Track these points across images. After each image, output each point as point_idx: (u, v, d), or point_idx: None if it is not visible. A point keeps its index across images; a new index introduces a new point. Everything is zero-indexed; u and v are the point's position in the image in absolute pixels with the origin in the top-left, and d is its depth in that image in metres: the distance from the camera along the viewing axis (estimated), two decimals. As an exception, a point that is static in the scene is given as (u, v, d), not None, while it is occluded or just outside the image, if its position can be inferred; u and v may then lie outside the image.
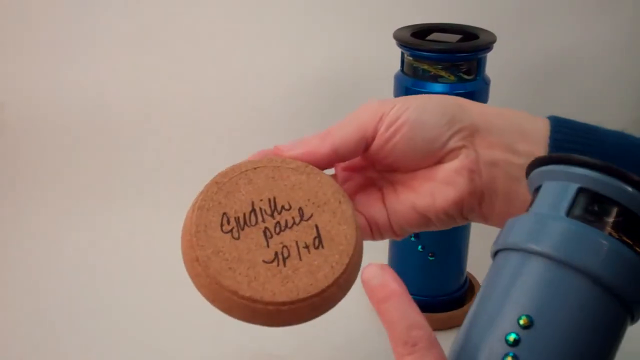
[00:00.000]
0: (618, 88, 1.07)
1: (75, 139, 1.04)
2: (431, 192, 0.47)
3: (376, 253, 0.85)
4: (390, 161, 0.48)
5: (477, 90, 0.70)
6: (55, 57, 1.04)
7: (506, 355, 0.33)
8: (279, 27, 1.02)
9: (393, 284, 0.38)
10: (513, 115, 0.47)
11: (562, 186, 0.36)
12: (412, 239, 0.76)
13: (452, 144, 0.46)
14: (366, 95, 1.00)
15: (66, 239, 0.93)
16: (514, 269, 0.35)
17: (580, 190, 0.36)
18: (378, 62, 0.87)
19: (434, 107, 0.46)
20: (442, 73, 0.69)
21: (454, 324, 0.78)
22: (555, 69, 1.05)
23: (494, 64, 0.74)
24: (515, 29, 1.01)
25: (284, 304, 0.41)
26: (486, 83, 0.72)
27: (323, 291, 0.42)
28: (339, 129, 0.46)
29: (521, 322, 0.33)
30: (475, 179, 0.46)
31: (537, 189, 0.39)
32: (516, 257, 0.36)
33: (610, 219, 0.35)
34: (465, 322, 0.37)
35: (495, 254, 0.38)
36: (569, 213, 0.35)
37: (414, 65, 0.70)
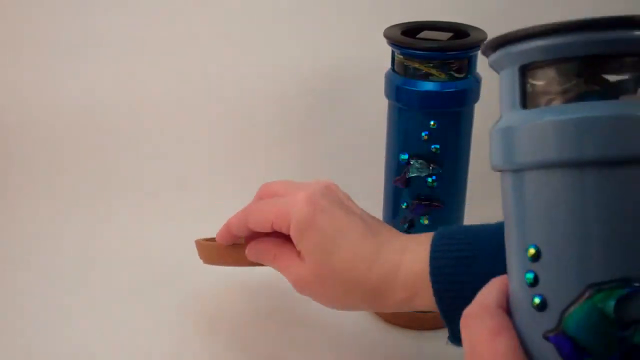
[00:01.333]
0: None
1: (72, 141, 1.04)
2: None
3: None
4: None
5: (468, 89, 0.70)
6: (52, 59, 1.04)
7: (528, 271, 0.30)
8: (269, 27, 1.02)
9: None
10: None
11: (507, 74, 0.33)
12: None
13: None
14: (357, 94, 1.01)
15: (64, 240, 0.93)
16: (508, 192, 0.32)
17: (522, 70, 0.32)
18: (368, 61, 0.87)
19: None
20: (433, 71, 0.69)
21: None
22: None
23: (485, 62, 0.74)
24: (507, 27, 1.00)
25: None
26: (477, 81, 0.71)
27: None
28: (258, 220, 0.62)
29: (529, 254, 0.30)
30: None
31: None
32: (505, 179, 0.33)
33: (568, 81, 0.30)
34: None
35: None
36: (524, 105, 0.32)
37: (405, 63, 0.70)
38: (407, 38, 0.70)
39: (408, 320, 0.76)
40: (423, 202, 0.72)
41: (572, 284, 0.28)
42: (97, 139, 1.03)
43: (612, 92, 0.29)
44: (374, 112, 0.80)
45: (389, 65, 0.74)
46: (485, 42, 0.34)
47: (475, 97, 0.72)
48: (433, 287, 0.52)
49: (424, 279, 0.53)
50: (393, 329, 0.77)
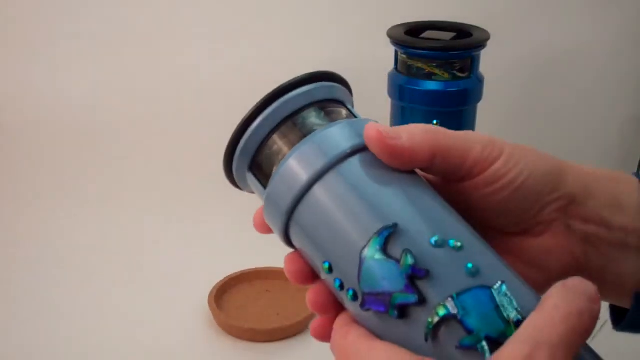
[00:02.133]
0: (613, 85, 1.07)
1: (72, 140, 1.04)
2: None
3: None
4: (475, 209, 0.40)
5: (471, 88, 0.70)
6: (52, 59, 1.04)
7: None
8: (273, 26, 1.02)
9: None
10: (610, 179, 0.41)
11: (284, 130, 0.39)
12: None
13: (546, 215, 0.40)
14: (360, 93, 1.00)
15: (62, 239, 0.93)
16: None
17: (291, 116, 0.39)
18: (371, 60, 0.87)
19: (542, 168, 0.40)
20: (436, 71, 0.69)
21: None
22: (550, 66, 1.05)
23: (488, 61, 0.74)
24: (509, 26, 1.01)
25: None
26: (480, 81, 0.72)
27: None
28: (444, 136, 0.39)
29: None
30: (566, 260, 0.40)
31: (255, 157, 0.40)
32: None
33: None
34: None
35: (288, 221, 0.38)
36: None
37: (408, 63, 0.70)
38: (411, 38, 0.70)
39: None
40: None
41: (353, 263, 0.34)
42: (95, 139, 1.04)
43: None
44: (377, 111, 0.80)
45: (392, 64, 0.74)
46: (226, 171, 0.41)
47: (478, 97, 0.72)
48: None
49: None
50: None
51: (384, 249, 0.34)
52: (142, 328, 0.77)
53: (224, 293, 0.80)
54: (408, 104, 0.71)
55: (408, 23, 0.74)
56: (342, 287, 0.35)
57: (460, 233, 0.35)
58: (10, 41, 1.04)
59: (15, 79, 1.05)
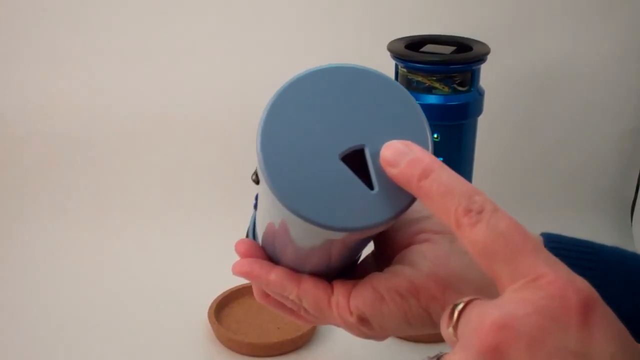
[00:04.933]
0: (613, 98, 1.07)
1: (70, 154, 1.04)
2: (391, 269, 0.43)
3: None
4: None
5: (471, 102, 0.70)
6: (56, 67, 1.04)
7: None
8: (273, 39, 1.02)
9: (428, 156, 0.34)
10: None
11: None
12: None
13: (429, 225, 0.43)
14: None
15: (60, 253, 0.93)
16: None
17: None
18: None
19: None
20: (436, 85, 0.69)
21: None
22: (550, 80, 1.05)
23: (488, 75, 0.74)
24: (509, 40, 1.01)
25: None
26: (480, 94, 0.72)
27: None
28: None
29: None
30: (440, 265, 0.42)
31: None
32: None
33: None
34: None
35: None
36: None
37: (408, 76, 0.71)
38: (411, 51, 0.70)
39: (418, 334, 0.76)
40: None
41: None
42: (97, 152, 1.04)
43: None
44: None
45: (392, 78, 0.74)
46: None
47: (479, 110, 0.72)
48: None
49: None
50: (401, 342, 0.77)
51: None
52: (141, 342, 0.77)
53: (224, 307, 0.80)
54: (408, 117, 0.71)
55: (408, 37, 0.74)
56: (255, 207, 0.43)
57: None
58: (10, 51, 1.04)
59: (17, 89, 1.05)
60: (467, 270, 0.42)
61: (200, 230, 0.96)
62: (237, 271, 0.46)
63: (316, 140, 0.34)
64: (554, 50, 1.04)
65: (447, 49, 0.72)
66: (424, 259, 0.42)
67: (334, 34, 1.02)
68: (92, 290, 0.86)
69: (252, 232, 0.49)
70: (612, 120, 1.08)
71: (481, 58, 0.69)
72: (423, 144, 0.35)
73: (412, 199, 0.35)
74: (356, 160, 0.35)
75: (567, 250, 0.42)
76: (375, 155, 0.35)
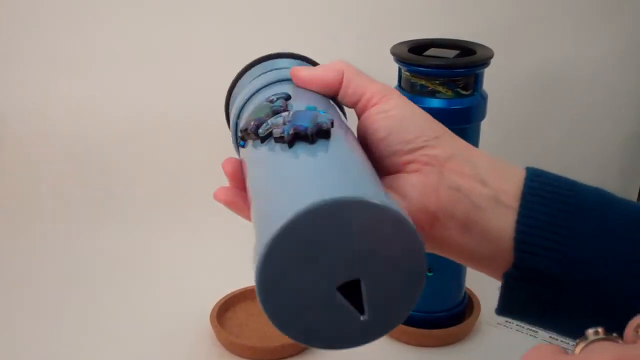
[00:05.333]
0: (616, 101, 1.07)
1: (75, 149, 1.04)
2: None
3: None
4: (370, 139, 0.47)
5: (474, 106, 0.70)
6: (56, 70, 1.04)
7: None
8: (276, 42, 1.02)
9: None
10: (494, 158, 0.45)
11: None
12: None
13: (419, 156, 0.45)
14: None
15: (62, 255, 0.93)
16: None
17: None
18: (375, 78, 0.87)
19: (425, 119, 0.47)
20: (440, 88, 0.69)
21: (454, 340, 0.77)
22: (553, 84, 1.05)
23: (491, 79, 0.74)
24: (513, 44, 1.01)
25: None
26: (484, 98, 0.71)
27: None
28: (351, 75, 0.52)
29: None
30: (429, 199, 0.44)
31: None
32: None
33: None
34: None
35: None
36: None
37: (412, 80, 0.70)
38: (414, 55, 0.70)
39: (419, 338, 0.76)
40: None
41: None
42: (100, 155, 1.04)
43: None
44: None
45: (395, 82, 0.74)
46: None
47: (482, 114, 0.72)
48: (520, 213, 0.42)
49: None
50: (403, 346, 0.77)
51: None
52: (143, 345, 0.76)
53: (226, 310, 0.80)
54: (411, 121, 0.71)
55: (411, 40, 0.74)
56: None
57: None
58: (10, 52, 1.04)
59: (16, 89, 1.05)
60: (454, 205, 0.43)
61: (202, 233, 0.96)
62: (219, 199, 0.47)
63: (313, 274, 0.35)
64: (557, 54, 1.04)
65: (451, 53, 0.71)
66: (414, 191, 0.44)
67: (337, 37, 1.02)
68: (92, 293, 0.86)
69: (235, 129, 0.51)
70: (615, 123, 1.08)
71: (484, 62, 0.69)
72: (418, 278, 0.37)
73: (398, 324, 0.38)
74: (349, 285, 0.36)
75: (546, 192, 0.43)
76: (370, 287, 0.36)
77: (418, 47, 0.73)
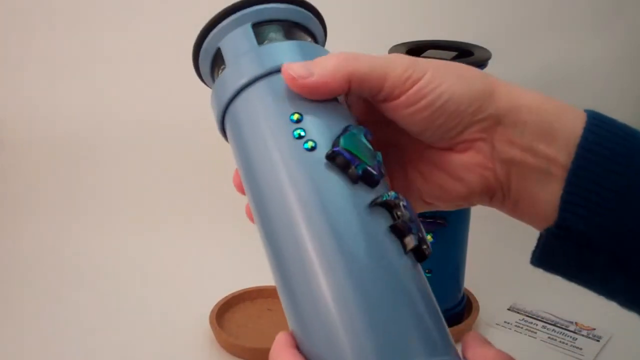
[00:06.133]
0: (614, 103, 1.07)
1: (71, 157, 1.04)
2: (440, 185, 0.44)
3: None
4: (401, 126, 0.43)
5: (472, 107, 0.70)
6: (57, 71, 1.04)
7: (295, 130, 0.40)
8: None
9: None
10: (546, 109, 0.42)
11: (239, 32, 0.44)
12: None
13: (470, 134, 0.42)
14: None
15: (61, 255, 0.93)
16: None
17: (253, 25, 0.44)
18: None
19: (466, 90, 0.41)
20: (438, 90, 0.69)
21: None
22: (551, 85, 1.05)
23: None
24: (511, 45, 1.01)
25: None
26: (481, 99, 0.72)
27: None
28: (360, 62, 0.42)
29: (295, 116, 0.40)
30: (487, 177, 0.42)
31: (215, 56, 0.46)
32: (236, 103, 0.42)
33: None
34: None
35: (223, 117, 0.44)
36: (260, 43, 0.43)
37: (410, 82, 0.71)
38: (412, 57, 0.70)
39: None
40: (427, 220, 0.72)
41: (330, 130, 0.40)
42: (100, 155, 1.04)
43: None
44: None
45: (393, 83, 0.74)
46: (221, 13, 0.45)
47: (480, 115, 0.72)
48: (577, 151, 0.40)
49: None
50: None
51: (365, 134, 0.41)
52: (142, 347, 0.77)
53: (226, 312, 0.80)
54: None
55: (409, 42, 0.75)
56: (303, 136, 0.40)
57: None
58: (9, 60, 1.04)
59: (17, 93, 1.05)
60: (510, 179, 0.42)
61: (201, 234, 0.96)
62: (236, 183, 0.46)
63: None
64: (555, 56, 1.05)
65: (448, 54, 0.72)
66: (471, 174, 0.43)
67: (335, 39, 1.02)
68: (91, 294, 0.86)
69: None
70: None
71: (482, 63, 0.70)
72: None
73: None
74: None
75: (598, 165, 0.40)
76: None
77: (416, 49, 0.73)
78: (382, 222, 0.37)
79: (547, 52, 1.04)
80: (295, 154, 0.39)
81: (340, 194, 0.38)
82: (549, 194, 0.40)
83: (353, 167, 0.38)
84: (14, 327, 0.80)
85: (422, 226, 0.39)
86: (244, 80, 0.41)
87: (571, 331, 0.79)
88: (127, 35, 1.03)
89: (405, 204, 0.38)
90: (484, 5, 1.01)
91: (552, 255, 0.41)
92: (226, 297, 0.81)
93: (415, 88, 0.40)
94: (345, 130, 0.40)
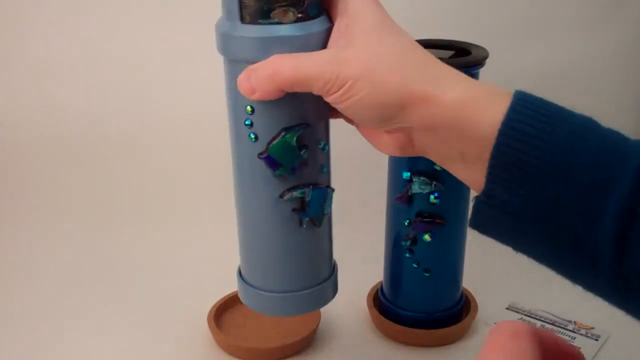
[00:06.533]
0: (613, 103, 1.08)
1: (72, 157, 1.04)
2: (382, 146, 0.53)
3: (371, 269, 0.85)
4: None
5: (470, 106, 0.70)
6: (56, 71, 1.04)
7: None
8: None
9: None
10: (463, 107, 0.46)
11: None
12: (407, 255, 0.75)
13: (390, 128, 0.49)
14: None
15: (58, 255, 0.93)
16: (227, 72, 0.53)
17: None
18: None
19: (377, 103, 0.47)
20: (435, 89, 0.69)
21: (451, 340, 0.77)
22: (548, 85, 1.05)
23: (487, 79, 0.74)
24: (508, 44, 1.01)
25: None
26: (479, 98, 0.71)
27: None
28: (286, 75, 0.48)
29: (248, 109, 0.52)
30: (405, 151, 0.52)
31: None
32: (225, 64, 0.53)
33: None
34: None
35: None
36: (242, 19, 0.50)
37: (407, 81, 0.70)
38: (409, 56, 0.70)
39: (416, 338, 0.77)
40: (425, 220, 0.72)
41: (273, 126, 0.52)
42: (95, 156, 1.04)
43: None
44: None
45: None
46: None
47: (477, 115, 0.72)
48: (498, 137, 0.44)
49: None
50: (400, 346, 0.77)
51: (297, 139, 0.53)
52: (139, 347, 0.76)
53: (224, 312, 0.80)
54: (407, 122, 0.71)
55: (407, 41, 0.74)
56: (250, 125, 0.53)
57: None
58: (10, 54, 1.04)
59: (14, 93, 1.05)
60: (428, 154, 0.51)
61: (200, 234, 0.96)
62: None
63: None
64: (554, 55, 1.05)
65: (446, 54, 0.72)
66: (389, 148, 0.53)
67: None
68: (89, 293, 0.86)
69: None
70: (614, 124, 1.08)
71: (480, 62, 0.70)
72: None
73: None
74: None
75: (527, 121, 0.44)
76: None
77: (413, 48, 0.73)
78: (285, 206, 0.56)
79: (545, 51, 1.04)
80: (243, 138, 0.54)
81: (262, 182, 0.55)
82: (470, 172, 0.47)
83: (274, 169, 0.54)
84: (13, 327, 0.80)
85: (324, 200, 0.57)
86: (230, 57, 0.52)
87: (570, 330, 0.79)
88: (128, 35, 1.03)
89: (308, 195, 0.55)
90: (482, 4, 1.01)
91: (483, 220, 0.47)
92: (224, 297, 0.80)
93: (337, 94, 0.47)
94: (279, 134, 0.52)
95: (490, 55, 0.71)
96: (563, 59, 1.04)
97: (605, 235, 0.41)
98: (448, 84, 0.47)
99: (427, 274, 0.75)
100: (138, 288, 0.87)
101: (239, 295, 0.63)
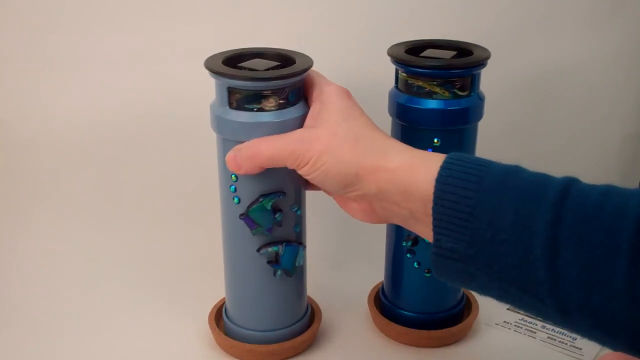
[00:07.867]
0: (615, 103, 1.07)
1: (73, 157, 1.04)
2: (350, 211, 0.63)
3: (372, 269, 0.85)
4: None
5: (472, 106, 0.70)
6: (57, 72, 1.04)
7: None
8: (273, 43, 1.02)
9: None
10: (404, 173, 0.55)
11: (221, 86, 0.64)
12: (408, 255, 0.75)
13: (351, 195, 0.59)
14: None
15: (61, 251, 0.93)
16: (220, 147, 0.67)
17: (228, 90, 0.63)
18: (372, 79, 0.88)
19: (336, 173, 0.58)
20: (437, 89, 0.69)
21: (452, 341, 0.77)
22: (551, 84, 1.05)
23: (488, 80, 0.74)
24: (510, 45, 1.01)
25: None
26: (481, 99, 0.72)
27: None
28: (264, 158, 0.61)
29: (233, 177, 0.65)
30: (371, 217, 0.61)
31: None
32: (218, 140, 0.67)
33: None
34: None
35: None
36: (230, 105, 0.63)
37: (409, 81, 0.71)
38: (411, 56, 0.70)
39: (417, 339, 0.76)
40: (427, 220, 0.72)
41: (253, 193, 0.65)
42: (96, 156, 1.04)
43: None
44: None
45: (392, 83, 0.74)
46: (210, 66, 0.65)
47: (479, 115, 0.72)
48: (436, 190, 0.52)
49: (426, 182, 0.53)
50: (401, 347, 0.77)
51: (273, 204, 0.65)
52: (141, 347, 0.76)
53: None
54: (408, 122, 0.71)
55: (408, 41, 0.75)
56: (235, 191, 0.66)
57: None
58: (8, 60, 1.04)
59: (16, 93, 1.05)
60: (390, 217, 0.61)
61: (200, 234, 0.96)
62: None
63: None
64: (555, 55, 1.05)
65: (448, 54, 0.72)
66: (356, 214, 0.63)
67: (333, 39, 1.02)
68: (89, 293, 0.86)
69: None
70: (613, 126, 1.08)
71: (482, 63, 0.70)
72: None
73: None
74: None
75: (458, 167, 0.52)
76: None
77: (415, 49, 0.73)
78: (262, 259, 0.68)
79: (547, 51, 1.03)
80: (229, 200, 0.66)
81: (242, 238, 0.67)
82: (424, 228, 0.55)
83: (252, 228, 0.65)
84: (13, 327, 0.80)
85: (296, 255, 0.69)
86: (222, 135, 0.65)
87: (571, 331, 0.79)
88: (128, 35, 1.03)
89: (282, 251, 0.67)
90: (482, 5, 1.01)
91: (441, 270, 0.53)
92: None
93: (307, 167, 0.59)
94: (257, 200, 0.64)
95: (493, 55, 0.71)
96: (564, 60, 1.04)
97: (539, 266, 0.46)
98: (394, 154, 0.56)
99: (428, 275, 0.75)
100: (138, 288, 0.87)
101: (225, 329, 0.75)
